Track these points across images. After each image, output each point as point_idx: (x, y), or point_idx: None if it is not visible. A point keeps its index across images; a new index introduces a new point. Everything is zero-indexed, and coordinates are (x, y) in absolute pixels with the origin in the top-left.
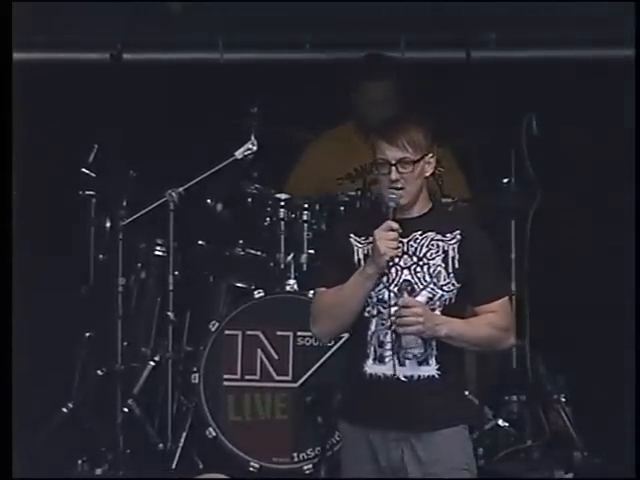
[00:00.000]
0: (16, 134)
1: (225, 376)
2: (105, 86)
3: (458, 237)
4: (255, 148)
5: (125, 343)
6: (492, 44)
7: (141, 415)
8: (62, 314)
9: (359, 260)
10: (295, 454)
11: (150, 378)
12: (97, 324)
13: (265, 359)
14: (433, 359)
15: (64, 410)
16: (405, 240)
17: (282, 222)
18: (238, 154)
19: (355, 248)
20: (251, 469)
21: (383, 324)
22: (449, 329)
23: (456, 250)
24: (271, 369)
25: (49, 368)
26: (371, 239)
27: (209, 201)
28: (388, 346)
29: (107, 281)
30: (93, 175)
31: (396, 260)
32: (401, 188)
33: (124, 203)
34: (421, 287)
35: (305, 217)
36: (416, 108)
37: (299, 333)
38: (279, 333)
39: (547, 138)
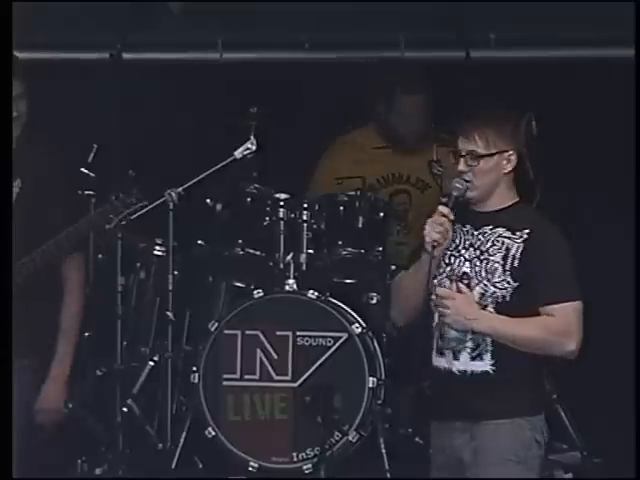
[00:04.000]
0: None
1: (224, 376)
2: (105, 86)
3: (525, 236)
4: (254, 148)
5: (124, 343)
6: (492, 44)
7: (140, 415)
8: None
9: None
10: (294, 454)
11: (149, 378)
12: (96, 324)
13: (265, 359)
14: (488, 354)
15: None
16: (475, 233)
17: (281, 222)
18: (237, 154)
19: None
20: (250, 469)
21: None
22: (484, 325)
23: (520, 249)
24: (270, 369)
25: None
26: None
27: (209, 201)
28: (446, 338)
29: (106, 281)
30: (93, 175)
31: (462, 252)
32: (468, 180)
33: None
34: (476, 282)
35: (305, 217)
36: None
37: (298, 333)
38: (278, 333)
39: (546, 138)
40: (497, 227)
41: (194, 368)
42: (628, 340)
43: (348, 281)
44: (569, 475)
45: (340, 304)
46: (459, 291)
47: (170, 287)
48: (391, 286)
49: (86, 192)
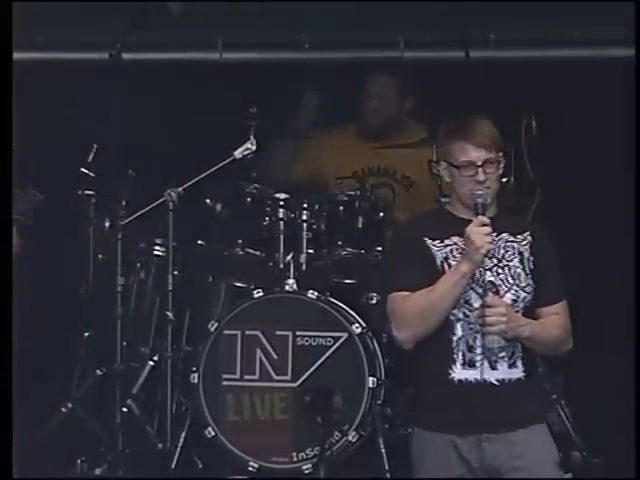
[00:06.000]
0: (16, 134)
1: (224, 376)
2: (105, 86)
3: (529, 238)
4: (254, 148)
5: (124, 343)
6: (492, 44)
7: (140, 415)
8: (62, 314)
9: (442, 263)
10: (294, 454)
11: (149, 378)
12: (96, 324)
13: (264, 359)
14: (520, 361)
15: (63, 410)
16: None
17: (281, 222)
18: (237, 154)
19: (434, 251)
20: (250, 469)
21: (471, 328)
22: (530, 330)
23: (528, 251)
24: (270, 369)
25: (49, 368)
26: (447, 242)
27: (208, 201)
28: (479, 350)
29: (106, 281)
30: (92, 175)
31: None
32: (488, 187)
33: (123, 203)
34: (505, 289)
35: (304, 217)
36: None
37: (298, 333)
38: (278, 333)
39: (547, 138)
40: (500, 233)
41: (194, 368)
42: (628, 340)
43: (348, 281)
44: (569, 475)
45: (340, 304)
46: (487, 296)
47: (170, 287)
48: (396, 309)
49: (86, 192)
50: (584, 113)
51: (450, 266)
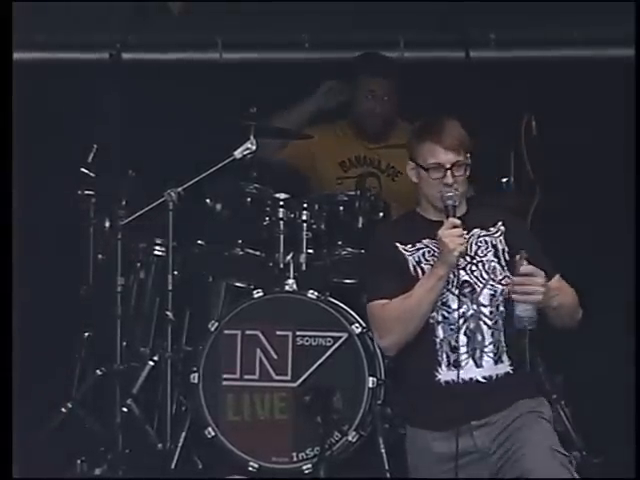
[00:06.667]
0: (16, 134)
1: (224, 376)
2: (105, 86)
3: (502, 229)
4: (254, 148)
5: (124, 343)
6: (492, 44)
7: (140, 415)
8: (62, 314)
9: (414, 267)
10: (294, 454)
11: (149, 378)
12: (96, 324)
13: (264, 359)
14: (505, 355)
15: (63, 410)
16: None
17: (281, 222)
18: (237, 154)
19: (406, 255)
20: (250, 469)
21: (452, 329)
22: (559, 299)
23: (503, 242)
24: (270, 369)
25: (48, 368)
26: (418, 246)
27: (208, 201)
28: (463, 349)
29: (106, 281)
30: (92, 175)
31: None
32: (457, 189)
33: (123, 203)
34: (481, 286)
35: (304, 217)
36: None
37: (298, 333)
38: (278, 333)
39: (546, 138)
40: (471, 229)
41: (194, 368)
42: (628, 340)
43: (348, 281)
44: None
45: (340, 304)
46: (464, 296)
47: (170, 287)
48: (376, 317)
49: (86, 192)
50: (584, 113)
51: (423, 270)
